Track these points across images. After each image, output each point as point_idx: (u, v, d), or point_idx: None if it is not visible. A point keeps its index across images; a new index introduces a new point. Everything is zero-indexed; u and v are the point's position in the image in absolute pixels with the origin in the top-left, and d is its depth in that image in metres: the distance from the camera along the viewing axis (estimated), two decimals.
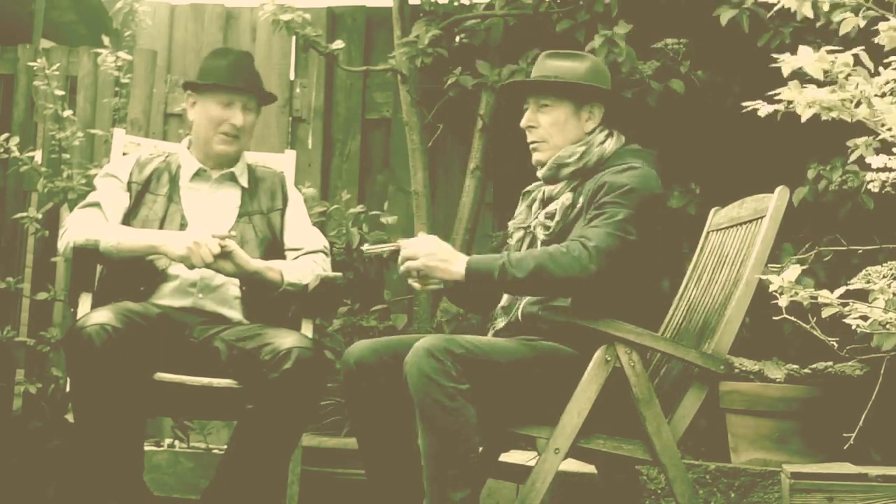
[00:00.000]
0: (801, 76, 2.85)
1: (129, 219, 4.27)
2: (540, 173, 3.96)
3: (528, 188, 4.05)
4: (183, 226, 4.25)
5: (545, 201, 3.92)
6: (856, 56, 2.81)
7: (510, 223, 4.04)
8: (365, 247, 3.92)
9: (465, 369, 3.50)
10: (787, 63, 2.87)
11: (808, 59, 2.81)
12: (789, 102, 2.90)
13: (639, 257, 3.68)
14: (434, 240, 3.75)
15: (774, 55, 2.92)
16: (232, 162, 4.41)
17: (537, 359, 3.66)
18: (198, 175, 4.39)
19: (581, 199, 3.77)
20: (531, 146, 3.95)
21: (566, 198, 3.83)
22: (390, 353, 3.75)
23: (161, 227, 4.24)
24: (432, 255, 3.68)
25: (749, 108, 2.96)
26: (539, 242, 3.85)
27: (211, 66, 4.39)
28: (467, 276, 3.64)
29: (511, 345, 3.70)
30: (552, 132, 3.89)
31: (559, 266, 3.55)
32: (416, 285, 3.78)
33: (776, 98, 2.92)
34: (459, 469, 3.48)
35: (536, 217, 3.92)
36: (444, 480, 3.48)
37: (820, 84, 2.87)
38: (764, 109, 2.98)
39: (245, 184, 4.42)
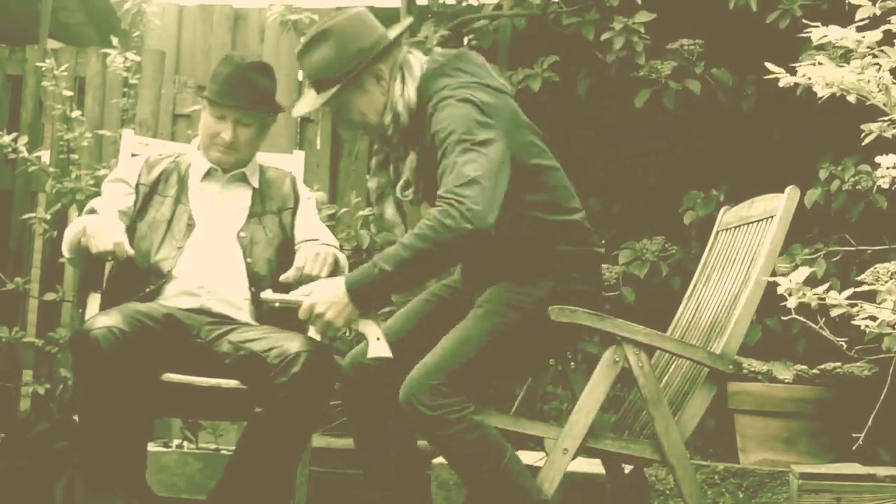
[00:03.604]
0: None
1: (136, 221, 4.27)
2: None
3: (376, 147, 3.88)
4: (190, 226, 4.25)
5: (400, 173, 3.81)
6: (885, 32, 2.82)
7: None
8: (265, 295, 3.77)
9: (455, 388, 3.49)
10: (816, 33, 2.87)
11: (837, 32, 2.81)
12: (808, 79, 2.90)
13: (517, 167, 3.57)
14: (320, 282, 3.67)
15: (806, 20, 2.91)
16: (242, 163, 4.40)
17: (494, 322, 3.61)
18: (209, 175, 4.38)
19: (424, 151, 3.64)
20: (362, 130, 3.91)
21: (411, 160, 3.74)
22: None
23: (168, 228, 4.24)
24: (323, 294, 3.56)
25: (761, 106, 2.96)
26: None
27: (215, 73, 4.34)
28: (353, 299, 3.51)
29: (468, 329, 3.61)
30: (363, 114, 3.76)
31: (434, 241, 3.39)
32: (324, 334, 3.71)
33: (796, 72, 2.93)
34: (502, 481, 3.52)
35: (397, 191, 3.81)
36: (493, 497, 3.55)
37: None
38: (785, 80, 2.98)
39: (256, 184, 4.41)
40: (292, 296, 3.64)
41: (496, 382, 3.56)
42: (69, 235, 4.19)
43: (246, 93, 4.28)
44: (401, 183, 3.79)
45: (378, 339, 3.59)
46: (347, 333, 3.70)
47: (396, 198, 3.83)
